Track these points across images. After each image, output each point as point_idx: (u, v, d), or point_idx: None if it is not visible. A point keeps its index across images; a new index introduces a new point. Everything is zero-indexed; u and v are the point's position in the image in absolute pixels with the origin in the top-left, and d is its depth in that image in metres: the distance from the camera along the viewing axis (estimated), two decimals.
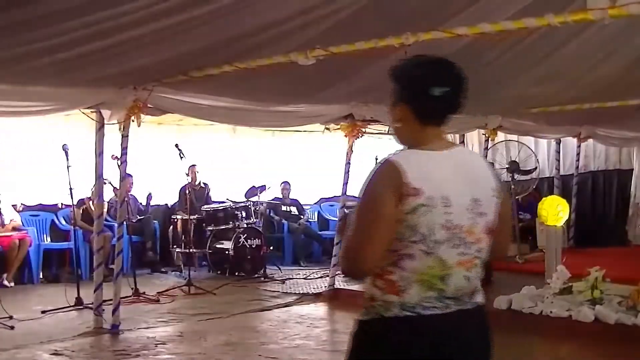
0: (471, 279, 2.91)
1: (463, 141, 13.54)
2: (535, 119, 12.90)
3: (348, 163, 10.63)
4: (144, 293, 10.47)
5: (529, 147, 14.43)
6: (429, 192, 2.78)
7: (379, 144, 13.43)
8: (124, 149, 8.43)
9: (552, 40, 7.87)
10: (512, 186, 13.47)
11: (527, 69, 8.96)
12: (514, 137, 14.55)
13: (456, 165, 2.91)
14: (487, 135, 13.18)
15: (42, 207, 12.90)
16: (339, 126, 10.57)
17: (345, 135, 10.54)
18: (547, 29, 6.42)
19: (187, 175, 12.49)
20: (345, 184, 10.74)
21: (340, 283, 10.96)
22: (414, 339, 2.82)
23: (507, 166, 13.67)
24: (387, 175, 2.81)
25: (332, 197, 15.38)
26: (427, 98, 2.89)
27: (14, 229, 11.74)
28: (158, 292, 10.66)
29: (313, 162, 16.02)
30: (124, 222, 9.17)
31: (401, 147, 2.99)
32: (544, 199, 11.97)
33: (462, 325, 2.89)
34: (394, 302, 2.83)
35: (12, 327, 8.58)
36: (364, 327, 2.92)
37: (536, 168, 14.27)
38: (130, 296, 10.16)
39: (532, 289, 9.16)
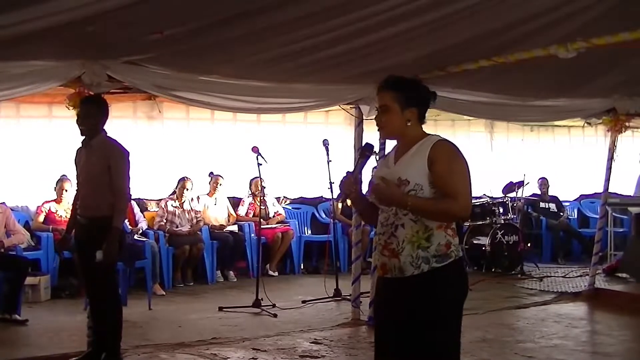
0: None
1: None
2: None
3: (610, 159, 10.22)
4: None
5: None
6: None
7: None
8: (382, 144, 8.55)
9: None
10: None
11: None
12: None
13: None
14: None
15: (303, 200, 13.34)
16: (600, 120, 10.19)
17: (608, 130, 10.14)
18: None
19: None
20: (607, 180, 10.34)
21: (602, 282, 10.62)
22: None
23: None
24: None
25: (593, 194, 14.90)
26: (427, 106, 4.23)
27: (279, 222, 12.25)
28: None
29: (573, 158, 15.56)
30: None
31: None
32: None
33: None
34: (458, 245, 3.99)
35: (275, 315, 8.99)
36: (448, 269, 3.95)
37: None
38: None
39: None
